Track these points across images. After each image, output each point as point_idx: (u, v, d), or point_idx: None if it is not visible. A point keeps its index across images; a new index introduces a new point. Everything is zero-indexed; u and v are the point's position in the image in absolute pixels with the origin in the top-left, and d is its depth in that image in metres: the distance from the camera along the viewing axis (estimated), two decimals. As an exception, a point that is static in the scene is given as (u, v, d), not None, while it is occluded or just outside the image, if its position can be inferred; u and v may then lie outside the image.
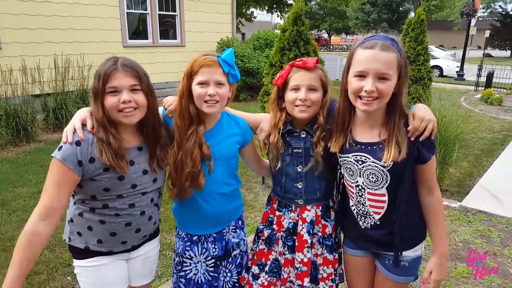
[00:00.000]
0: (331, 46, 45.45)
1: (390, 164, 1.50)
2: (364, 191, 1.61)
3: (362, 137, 1.59)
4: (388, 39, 1.47)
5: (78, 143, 1.46)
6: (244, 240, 1.93)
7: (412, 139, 1.50)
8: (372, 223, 1.65)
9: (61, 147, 1.47)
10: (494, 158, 6.09)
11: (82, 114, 1.55)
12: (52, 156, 1.47)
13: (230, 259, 1.86)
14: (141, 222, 1.65)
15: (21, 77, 6.77)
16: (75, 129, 1.49)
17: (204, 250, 1.83)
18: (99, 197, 1.54)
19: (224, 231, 1.85)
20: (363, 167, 1.57)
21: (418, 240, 1.67)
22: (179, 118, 1.68)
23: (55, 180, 1.46)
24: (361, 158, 1.58)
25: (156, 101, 1.63)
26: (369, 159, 1.55)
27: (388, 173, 1.53)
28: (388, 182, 1.55)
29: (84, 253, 1.62)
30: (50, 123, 7.16)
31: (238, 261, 1.89)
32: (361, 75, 1.45)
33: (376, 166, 1.54)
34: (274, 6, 19.74)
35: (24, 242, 1.44)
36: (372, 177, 1.57)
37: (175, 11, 10.31)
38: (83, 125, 1.52)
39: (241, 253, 1.91)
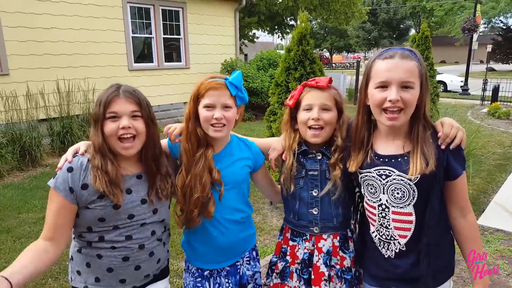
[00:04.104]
0: (333, 65, 45.75)
1: (417, 177, 1.40)
2: (389, 211, 1.49)
3: (384, 150, 1.50)
4: (406, 50, 1.42)
5: (70, 170, 1.44)
6: (259, 272, 1.82)
7: (443, 146, 1.41)
8: (397, 250, 1.52)
9: (56, 176, 1.46)
10: (507, 174, 5.95)
11: (77, 144, 1.56)
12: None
13: None
14: (140, 257, 1.54)
15: (26, 102, 6.79)
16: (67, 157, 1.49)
17: (217, 286, 1.69)
18: (95, 228, 1.48)
19: (238, 263, 1.74)
20: (387, 181, 1.47)
21: (446, 275, 1.55)
22: (186, 142, 1.62)
23: (52, 210, 1.45)
24: (384, 172, 1.47)
25: (157, 130, 1.59)
26: (394, 172, 1.45)
27: (415, 188, 1.42)
28: (415, 198, 1.44)
29: None
30: (56, 147, 7.14)
31: None
32: (384, 86, 1.39)
33: (402, 180, 1.44)
34: (276, 27, 20.03)
35: (30, 254, 1.36)
36: (398, 193, 1.46)
37: (179, 35, 10.43)
38: (76, 152, 1.51)
39: (256, 286, 1.79)
